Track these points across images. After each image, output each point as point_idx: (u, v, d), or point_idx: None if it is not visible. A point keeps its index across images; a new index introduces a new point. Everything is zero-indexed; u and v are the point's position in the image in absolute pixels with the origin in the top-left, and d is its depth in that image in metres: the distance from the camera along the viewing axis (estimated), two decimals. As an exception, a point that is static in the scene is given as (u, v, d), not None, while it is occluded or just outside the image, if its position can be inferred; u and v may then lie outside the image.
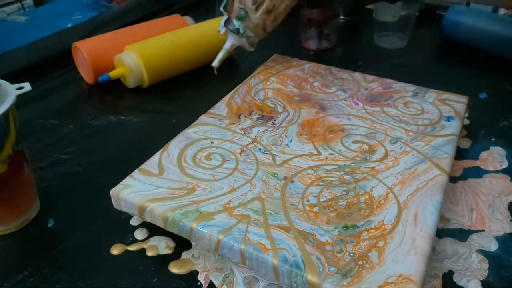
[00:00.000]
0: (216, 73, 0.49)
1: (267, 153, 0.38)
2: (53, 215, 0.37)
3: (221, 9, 0.48)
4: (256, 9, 0.47)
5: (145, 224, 0.36)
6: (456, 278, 0.31)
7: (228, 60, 0.62)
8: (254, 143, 0.39)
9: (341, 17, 0.73)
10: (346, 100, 0.46)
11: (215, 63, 0.49)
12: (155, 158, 0.37)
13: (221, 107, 0.45)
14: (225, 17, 0.48)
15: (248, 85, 0.48)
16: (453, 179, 0.40)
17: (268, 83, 0.49)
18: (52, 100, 0.54)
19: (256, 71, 0.51)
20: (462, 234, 0.35)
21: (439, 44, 0.66)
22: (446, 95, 0.46)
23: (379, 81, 0.49)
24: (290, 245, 0.29)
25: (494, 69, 0.58)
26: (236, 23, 0.47)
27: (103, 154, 0.44)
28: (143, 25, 0.61)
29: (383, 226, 0.31)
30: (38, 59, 0.59)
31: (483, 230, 0.35)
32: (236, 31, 0.47)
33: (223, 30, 0.49)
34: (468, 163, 0.42)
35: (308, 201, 0.33)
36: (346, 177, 0.35)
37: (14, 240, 0.35)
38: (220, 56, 0.49)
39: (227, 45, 0.49)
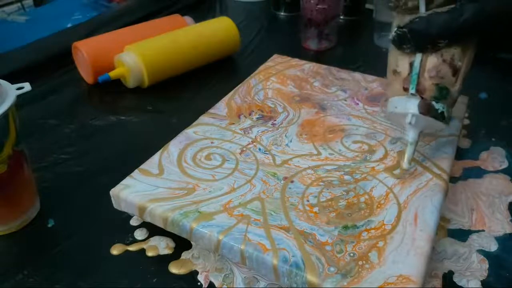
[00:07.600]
0: (405, 174, 0.36)
1: (267, 153, 0.38)
2: (53, 215, 0.37)
3: (411, 90, 0.33)
4: (456, 79, 0.33)
5: (145, 224, 0.36)
6: (456, 278, 0.31)
7: (228, 60, 0.62)
8: (254, 143, 0.39)
9: (341, 17, 0.73)
10: (346, 100, 0.46)
11: (406, 165, 0.35)
12: (155, 158, 0.37)
13: (221, 107, 0.45)
14: (413, 101, 0.33)
15: (248, 85, 0.48)
16: (453, 179, 0.40)
17: (268, 83, 0.49)
18: (52, 100, 0.54)
19: (256, 71, 0.51)
20: (462, 234, 0.35)
21: (439, 44, 0.66)
22: (446, 95, 0.46)
23: (379, 81, 0.49)
24: (290, 245, 0.29)
25: (494, 69, 0.58)
26: (438, 105, 0.33)
27: (103, 154, 0.44)
28: (143, 25, 0.61)
29: (383, 226, 0.31)
30: (38, 59, 0.59)
31: (483, 230, 0.35)
32: (441, 116, 0.33)
33: (413, 120, 0.33)
34: (468, 163, 0.42)
35: (308, 201, 0.33)
36: (346, 177, 0.35)
37: (14, 240, 0.35)
38: (409, 154, 0.34)
39: (414, 136, 0.34)
